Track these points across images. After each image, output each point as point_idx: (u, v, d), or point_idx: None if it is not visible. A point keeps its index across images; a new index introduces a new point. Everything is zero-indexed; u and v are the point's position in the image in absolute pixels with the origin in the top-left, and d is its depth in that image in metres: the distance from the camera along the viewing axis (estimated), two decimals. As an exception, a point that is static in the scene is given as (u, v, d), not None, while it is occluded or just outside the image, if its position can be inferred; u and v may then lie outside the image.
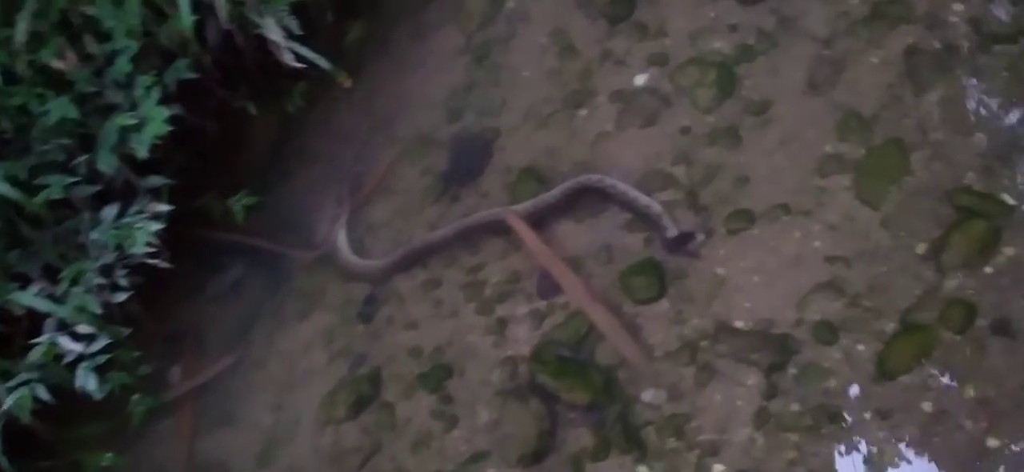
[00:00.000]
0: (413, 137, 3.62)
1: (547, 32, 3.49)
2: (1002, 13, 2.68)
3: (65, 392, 3.19)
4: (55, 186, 2.93)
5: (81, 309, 3.01)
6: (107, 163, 2.99)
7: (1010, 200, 2.48)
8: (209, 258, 3.72)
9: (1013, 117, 2.56)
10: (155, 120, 2.89)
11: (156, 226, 3.10)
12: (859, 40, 2.88)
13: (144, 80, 2.97)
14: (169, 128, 2.97)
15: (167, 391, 3.53)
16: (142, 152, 2.95)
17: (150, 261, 3.30)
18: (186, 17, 2.99)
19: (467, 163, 3.43)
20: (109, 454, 3.34)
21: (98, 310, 3.05)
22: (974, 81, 2.66)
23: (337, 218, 3.59)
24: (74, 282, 3.08)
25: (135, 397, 3.37)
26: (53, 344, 3.14)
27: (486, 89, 3.54)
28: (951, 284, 2.45)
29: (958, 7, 2.76)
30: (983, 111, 2.60)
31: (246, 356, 3.52)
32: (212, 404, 3.48)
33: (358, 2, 3.73)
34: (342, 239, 3.52)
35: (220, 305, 3.69)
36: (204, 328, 3.68)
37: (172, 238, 3.44)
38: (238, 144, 3.78)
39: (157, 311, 3.63)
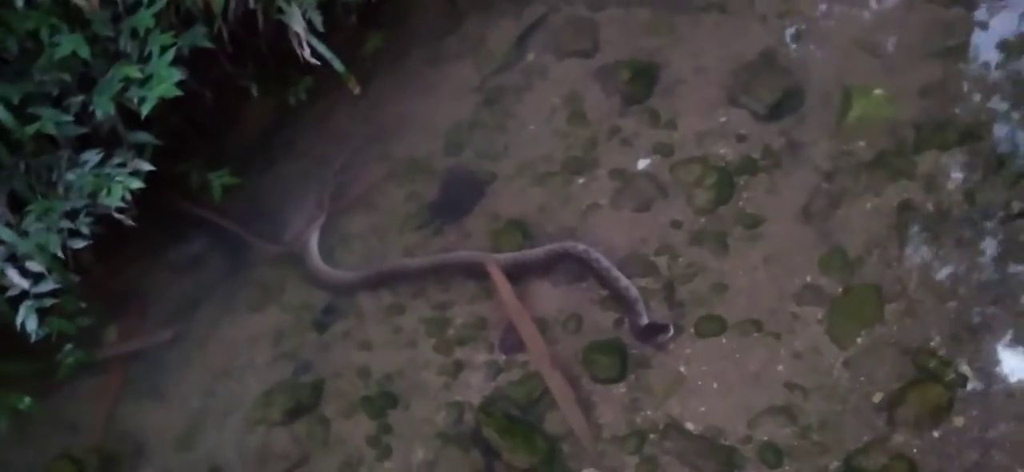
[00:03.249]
0: (406, 160, 3.77)
1: (562, 94, 3.68)
2: (996, 193, 2.91)
3: (-3, 324, 3.25)
4: (48, 120, 3.02)
5: (42, 247, 3.08)
6: (104, 109, 3.09)
7: (969, 373, 2.68)
8: (174, 226, 3.80)
9: (988, 295, 2.77)
10: (165, 81, 3.01)
11: (136, 183, 3.19)
12: (858, 183, 3.10)
13: (162, 38, 3.08)
14: (178, 92, 3.07)
15: (99, 349, 3.59)
16: (146, 109, 3.06)
17: (117, 215, 3.39)
18: (222, -10, 3.11)
19: (457, 199, 3.58)
20: (28, 398, 3.38)
21: (58, 252, 3.12)
22: (959, 251, 2.88)
23: (313, 221, 3.70)
24: (39, 218, 3.15)
25: (68, 347, 3.42)
26: (1, 274, 3.20)
27: (490, 132, 3.71)
28: (899, 439, 2.64)
29: (956, 176, 3.00)
30: (961, 281, 2.82)
31: (188, 333, 3.59)
32: (143, 373, 3.55)
33: (382, 14, 3.88)
34: (314, 243, 3.63)
35: (174, 275, 3.77)
36: (152, 295, 3.75)
37: (142, 197, 3.54)
38: (231, 121, 3.90)
39: (109, 266, 3.71)
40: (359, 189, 3.76)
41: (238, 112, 3.89)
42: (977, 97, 3.21)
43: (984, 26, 3.42)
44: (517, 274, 3.27)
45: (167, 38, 3.10)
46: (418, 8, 4.04)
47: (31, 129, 3.02)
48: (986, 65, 3.33)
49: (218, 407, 3.38)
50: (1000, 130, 3.15)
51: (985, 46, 3.36)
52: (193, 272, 3.77)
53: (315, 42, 3.46)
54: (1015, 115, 3.17)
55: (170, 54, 3.09)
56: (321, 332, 3.44)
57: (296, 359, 3.39)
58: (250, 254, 3.73)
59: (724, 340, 2.95)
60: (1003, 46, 3.36)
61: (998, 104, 3.23)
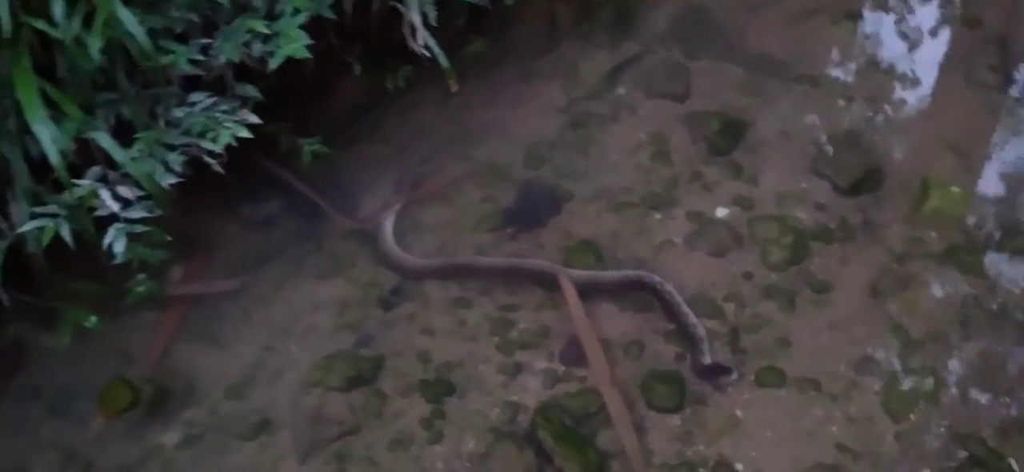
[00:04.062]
0: (486, 163, 3.92)
1: (648, 131, 3.86)
2: (1062, 305, 3.12)
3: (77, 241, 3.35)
4: (181, 55, 3.17)
5: (148, 175, 3.21)
6: (230, 55, 3.24)
7: (1015, 468, 2.85)
8: (253, 183, 3.92)
9: (1041, 397, 2.97)
10: (295, 42, 3.17)
11: (243, 132, 3.33)
12: (928, 270, 3.30)
13: (296, 1, 3.24)
14: (307, 54, 3.22)
15: (165, 285, 3.70)
16: (274, 63, 3.21)
17: (209, 159, 3.52)
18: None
19: (532, 210, 3.73)
20: (94, 317, 3.49)
21: (164, 182, 3.25)
22: (1018, 352, 3.06)
23: (390, 204, 3.84)
24: (147, 147, 3.28)
25: (140, 276, 3.53)
26: (94, 193, 3.32)
27: (571, 153, 3.87)
28: (942, 516, 2.81)
29: (1024, 282, 3.21)
30: (1017, 380, 3.00)
31: (252, 288, 3.70)
32: (202, 317, 3.65)
33: (487, 22, 4.06)
34: (389, 225, 3.77)
35: (245, 230, 3.89)
36: (221, 244, 3.86)
37: (229, 148, 3.67)
38: (324, 93, 4.05)
39: (184, 207, 3.82)
40: (437, 183, 3.91)
41: (332, 86, 4.04)
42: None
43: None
44: (587, 292, 3.41)
45: (302, 2, 3.26)
46: (520, 23, 4.23)
47: (166, 60, 3.16)
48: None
49: (275, 363, 3.48)
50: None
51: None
52: (265, 230, 3.89)
53: (426, 35, 3.63)
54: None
55: (301, 17, 3.25)
56: (386, 310, 3.56)
57: (359, 331, 3.51)
58: (323, 224, 3.86)
59: (782, 392, 3.11)
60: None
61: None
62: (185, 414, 3.39)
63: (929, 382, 3.06)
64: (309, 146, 3.78)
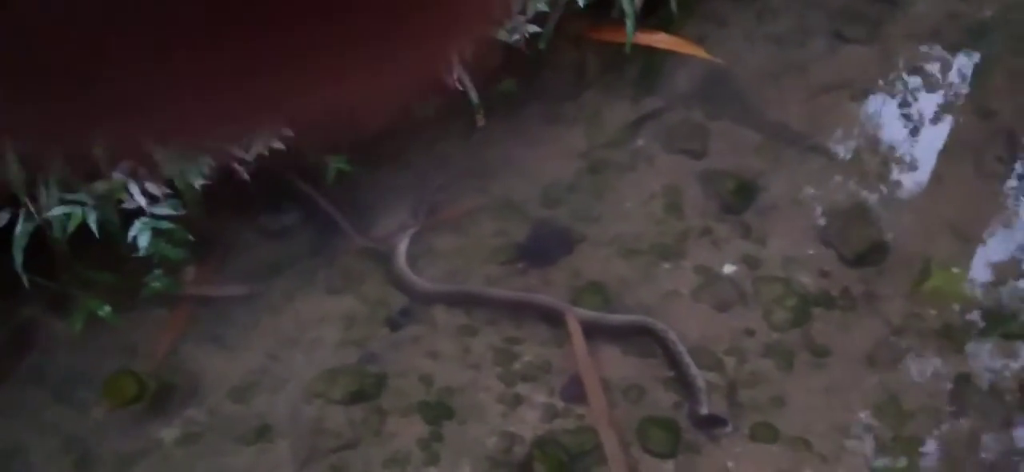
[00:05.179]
0: (502, 199, 4.12)
1: (663, 184, 4.08)
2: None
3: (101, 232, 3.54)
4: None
5: (181, 174, 3.41)
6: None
7: (996, 544, 3.03)
8: (273, 193, 4.12)
9: (1024, 478, 3.14)
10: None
11: (277, 143, 3.54)
12: (925, 344, 3.48)
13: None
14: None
15: (180, 283, 3.88)
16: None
17: (238, 166, 3.73)
18: None
19: (544, 248, 3.93)
20: (107, 307, 3.68)
21: (197, 184, 3.46)
22: (1005, 433, 3.24)
23: (405, 228, 4.04)
24: (181, 147, 3.49)
25: (157, 272, 3.73)
26: (123, 186, 3.53)
27: (587, 197, 4.08)
28: None
29: (1015, 366, 3.39)
30: (1002, 459, 3.18)
31: (263, 295, 3.89)
32: (211, 319, 3.83)
33: (518, 63, 4.30)
34: (403, 247, 3.96)
35: (261, 238, 4.09)
36: (235, 250, 4.05)
37: (256, 157, 3.87)
38: (350, 115, 4.26)
39: (205, 209, 4.02)
40: (453, 213, 4.11)
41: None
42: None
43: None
44: (593, 332, 3.60)
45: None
46: (550, 68, 4.46)
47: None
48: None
49: (279, 372, 3.66)
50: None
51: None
52: (280, 241, 4.08)
53: (461, 71, 3.87)
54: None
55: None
56: (393, 330, 3.74)
57: (364, 348, 3.69)
58: (338, 240, 4.05)
59: (774, 448, 3.29)
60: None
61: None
62: (186, 412, 3.56)
63: (918, 452, 3.23)
64: (335, 163, 3.99)
